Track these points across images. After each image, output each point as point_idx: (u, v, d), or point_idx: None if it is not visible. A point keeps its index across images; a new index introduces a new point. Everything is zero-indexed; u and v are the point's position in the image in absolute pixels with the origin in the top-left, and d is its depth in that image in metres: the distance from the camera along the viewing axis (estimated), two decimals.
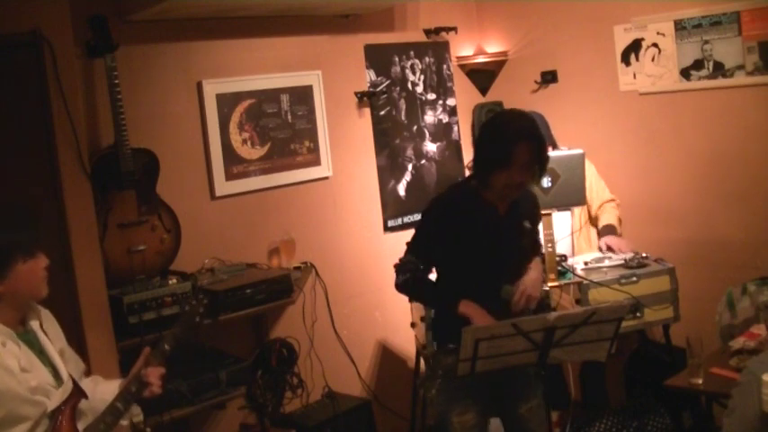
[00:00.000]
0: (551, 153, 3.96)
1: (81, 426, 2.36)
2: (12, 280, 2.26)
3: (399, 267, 2.94)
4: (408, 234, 4.57)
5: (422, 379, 3.07)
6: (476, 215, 2.86)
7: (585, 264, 3.88)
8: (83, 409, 2.42)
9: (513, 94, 4.93)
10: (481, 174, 2.83)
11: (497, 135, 2.77)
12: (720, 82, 4.07)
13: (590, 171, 4.16)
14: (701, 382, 3.08)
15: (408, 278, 2.92)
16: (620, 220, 4.19)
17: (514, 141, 2.70)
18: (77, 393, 2.36)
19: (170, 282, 3.37)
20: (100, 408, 2.41)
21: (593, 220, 4.26)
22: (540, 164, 2.79)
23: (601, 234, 4.15)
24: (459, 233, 2.84)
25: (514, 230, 2.89)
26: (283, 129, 4.12)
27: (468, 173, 4.94)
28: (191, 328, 2.53)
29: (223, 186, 3.88)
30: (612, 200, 4.22)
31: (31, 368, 2.27)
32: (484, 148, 2.83)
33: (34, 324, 2.38)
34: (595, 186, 4.20)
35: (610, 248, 4.03)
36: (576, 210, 4.11)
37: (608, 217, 4.16)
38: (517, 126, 2.76)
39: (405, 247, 4.54)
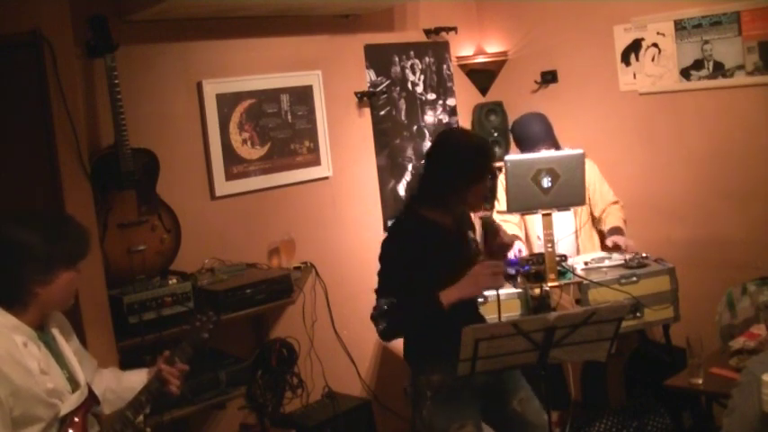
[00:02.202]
0: (552, 153, 4.00)
1: (107, 411, 2.48)
2: (51, 286, 2.30)
3: (376, 316, 2.86)
4: None
5: (412, 405, 3.03)
6: (430, 238, 2.85)
7: (585, 264, 3.88)
8: (109, 398, 2.52)
9: (513, 94, 4.93)
10: (456, 193, 2.84)
11: (472, 152, 2.84)
12: (720, 82, 4.07)
13: (593, 172, 4.17)
14: (701, 382, 3.08)
15: (387, 318, 2.84)
16: (624, 222, 4.20)
17: (485, 153, 2.86)
18: (91, 400, 2.40)
19: (170, 282, 3.37)
20: (127, 396, 2.52)
21: (596, 222, 4.26)
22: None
23: (608, 235, 4.15)
24: (421, 260, 2.81)
25: (463, 239, 2.94)
26: (283, 129, 4.12)
27: None
28: (198, 344, 2.68)
29: (223, 186, 3.89)
30: (616, 202, 4.22)
31: (49, 371, 2.29)
32: (461, 167, 2.83)
33: (53, 328, 2.42)
34: (599, 188, 4.20)
35: (617, 246, 4.03)
36: (578, 209, 4.12)
37: (614, 219, 4.15)
38: (479, 140, 2.96)
39: None
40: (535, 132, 4.17)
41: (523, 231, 4.25)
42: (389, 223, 3.03)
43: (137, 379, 2.59)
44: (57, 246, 2.30)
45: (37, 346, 2.29)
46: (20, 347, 2.22)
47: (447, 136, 3.02)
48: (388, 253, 2.90)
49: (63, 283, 2.33)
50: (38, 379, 2.23)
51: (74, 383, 2.36)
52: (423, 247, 2.83)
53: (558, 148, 4.16)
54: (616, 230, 4.11)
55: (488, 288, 2.81)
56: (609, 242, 4.09)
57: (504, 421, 2.98)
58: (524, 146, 4.21)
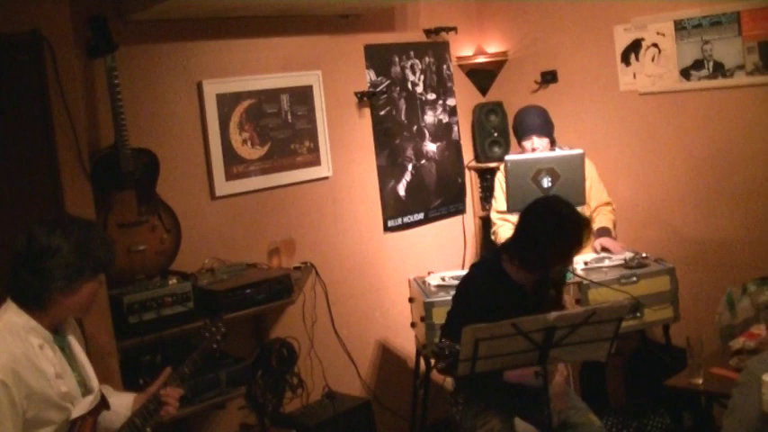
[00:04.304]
0: (552, 153, 4.00)
1: None
2: (73, 295, 2.32)
3: (437, 353, 2.87)
4: (408, 234, 4.63)
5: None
6: (505, 296, 2.94)
7: (585, 264, 3.88)
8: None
9: (513, 94, 4.93)
10: (542, 265, 2.93)
11: (565, 232, 2.92)
12: (720, 82, 4.08)
13: (591, 172, 4.17)
14: (701, 382, 3.08)
15: (446, 362, 2.84)
16: (614, 224, 4.20)
17: (578, 236, 2.92)
18: (102, 404, 2.40)
19: (170, 282, 3.37)
20: (111, 418, 2.46)
21: None
22: None
23: (596, 236, 4.15)
24: (490, 313, 2.81)
25: (540, 304, 2.94)
26: (283, 129, 4.12)
27: (468, 174, 4.96)
28: (208, 354, 2.67)
29: (223, 186, 3.88)
30: (609, 203, 4.22)
31: (63, 374, 2.30)
32: (552, 242, 2.91)
33: (69, 332, 2.43)
34: (595, 188, 4.20)
35: (605, 249, 4.03)
36: (578, 209, 4.10)
37: (603, 219, 4.16)
38: (576, 222, 2.96)
39: (404, 245, 4.60)
40: (528, 123, 4.18)
41: None
42: (472, 265, 3.19)
43: (122, 402, 2.53)
44: (88, 258, 2.31)
45: (52, 350, 2.30)
46: (36, 350, 2.24)
47: (548, 208, 3.02)
48: (460, 298, 3.03)
49: (86, 294, 2.35)
50: (52, 382, 2.24)
51: (84, 388, 2.37)
52: (490, 298, 2.92)
53: (553, 141, 4.17)
54: (604, 231, 4.11)
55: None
56: (597, 244, 4.09)
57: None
58: (517, 134, 4.24)
